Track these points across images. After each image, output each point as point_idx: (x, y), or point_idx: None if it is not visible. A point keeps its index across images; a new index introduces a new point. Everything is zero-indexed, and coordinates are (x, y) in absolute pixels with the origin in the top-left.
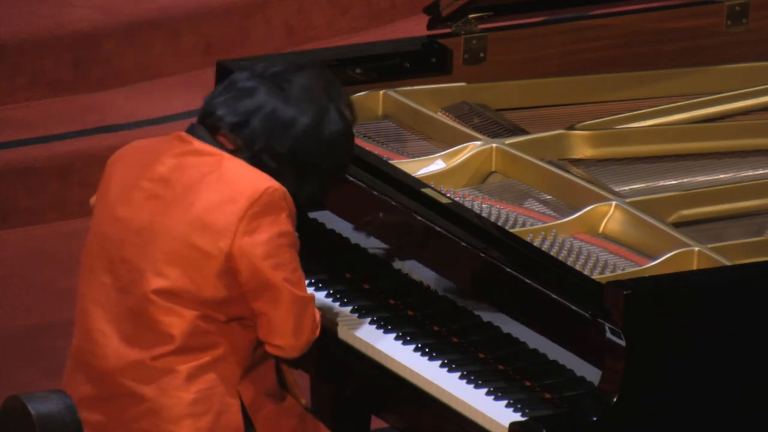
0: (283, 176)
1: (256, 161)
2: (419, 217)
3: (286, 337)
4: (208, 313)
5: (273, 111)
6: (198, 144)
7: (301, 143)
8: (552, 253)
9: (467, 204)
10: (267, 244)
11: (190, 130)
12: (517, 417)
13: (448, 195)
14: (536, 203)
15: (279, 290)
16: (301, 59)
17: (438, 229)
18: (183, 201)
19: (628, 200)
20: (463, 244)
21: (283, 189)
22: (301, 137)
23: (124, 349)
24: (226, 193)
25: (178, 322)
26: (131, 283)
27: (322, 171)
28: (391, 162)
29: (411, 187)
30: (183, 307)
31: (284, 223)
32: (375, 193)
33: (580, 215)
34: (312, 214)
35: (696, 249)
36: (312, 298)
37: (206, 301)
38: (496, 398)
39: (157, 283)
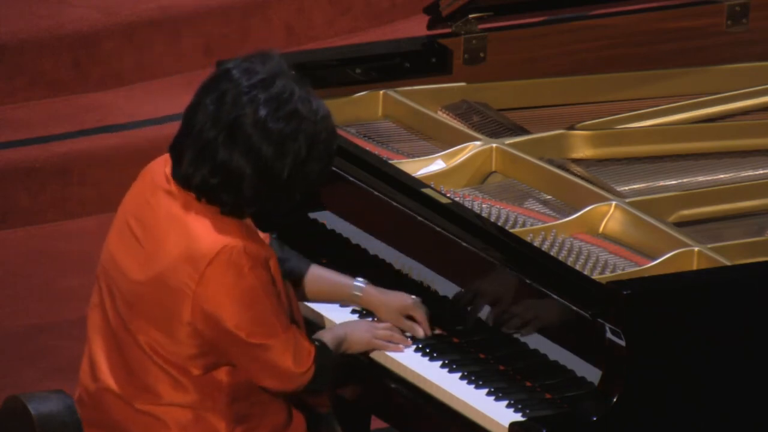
0: (250, 209)
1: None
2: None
3: (271, 379)
4: (186, 367)
5: (229, 164)
6: (174, 187)
7: (265, 181)
8: (552, 253)
9: (467, 204)
10: (229, 306)
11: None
12: (518, 417)
13: (448, 195)
14: (536, 203)
15: (248, 347)
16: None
17: (438, 229)
18: (151, 253)
19: (628, 200)
20: (464, 244)
21: (242, 244)
22: (264, 175)
23: (114, 383)
24: (185, 250)
25: (161, 375)
26: (122, 322)
27: (292, 191)
28: (391, 162)
29: (411, 187)
30: (162, 361)
31: (247, 278)
32: (375, 193)
33: (580, 215)
34: (312, 214)
35: (696, 249)
36: (291, 337)
37: (182, 356)
38: (497, 399)
39: (140, 334)
